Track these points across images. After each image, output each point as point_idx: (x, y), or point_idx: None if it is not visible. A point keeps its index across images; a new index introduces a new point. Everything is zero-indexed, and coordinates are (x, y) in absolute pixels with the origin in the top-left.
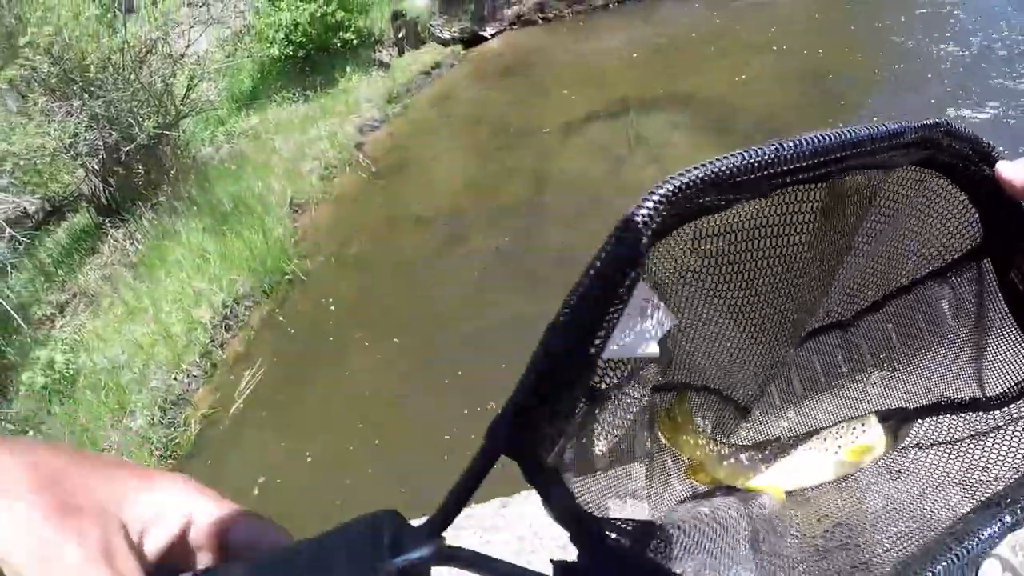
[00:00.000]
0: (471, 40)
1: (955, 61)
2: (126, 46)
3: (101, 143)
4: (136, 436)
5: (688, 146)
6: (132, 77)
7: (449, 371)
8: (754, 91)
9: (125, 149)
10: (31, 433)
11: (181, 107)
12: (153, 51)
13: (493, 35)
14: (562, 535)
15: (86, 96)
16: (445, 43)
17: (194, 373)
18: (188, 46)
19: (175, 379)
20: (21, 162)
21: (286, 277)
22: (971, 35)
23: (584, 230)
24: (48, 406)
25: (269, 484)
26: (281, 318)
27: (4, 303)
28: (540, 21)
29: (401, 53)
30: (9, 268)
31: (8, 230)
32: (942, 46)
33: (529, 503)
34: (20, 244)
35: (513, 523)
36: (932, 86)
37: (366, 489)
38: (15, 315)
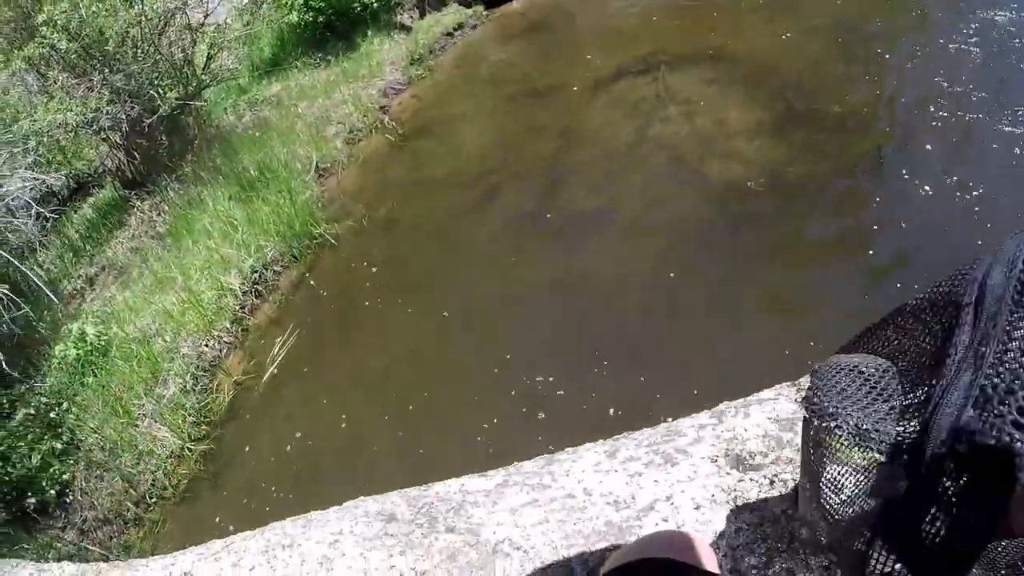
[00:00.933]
0: (493, 0)
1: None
2: (143, 19)
3: (123, 116)
4: (169, 403)
5: (720, 101)
6: (151, 49)
7: (485, 337)
8: (786, 47)
9: (148, 121)
10: (65, 405)
11: (202, 77)
12: (171, 22)
13: None
14: (612, 493)
15: (106, 70)
16: (467, 4)
17: (225, 339)
18: (206, 15)
19: (206, 346)
20: (44, 139)
21: (315, 241)
22: None
23: (615, 187)
24: (81, 378)
25: (303, 444)
26: (312, 282)
27: (35, 279)
28: None
29: (423, 15)
30: (38, 245)
31: (35, 207)
32: None
33: (577, 460)
34: (47, 221)
35: (561, 480)
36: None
37: (399, 455)
38: (46, 290)
